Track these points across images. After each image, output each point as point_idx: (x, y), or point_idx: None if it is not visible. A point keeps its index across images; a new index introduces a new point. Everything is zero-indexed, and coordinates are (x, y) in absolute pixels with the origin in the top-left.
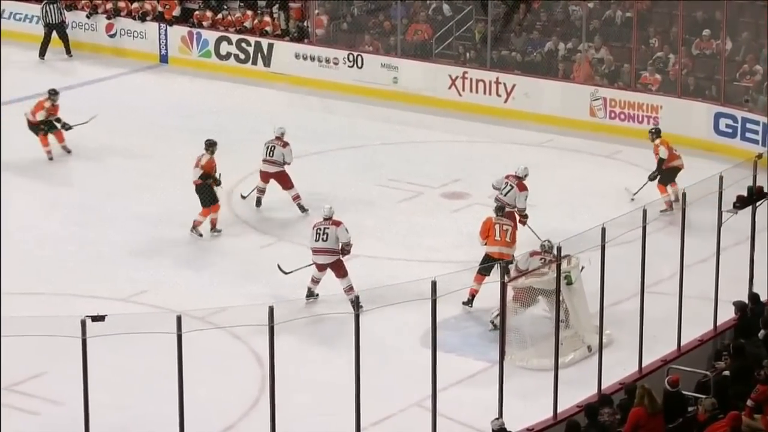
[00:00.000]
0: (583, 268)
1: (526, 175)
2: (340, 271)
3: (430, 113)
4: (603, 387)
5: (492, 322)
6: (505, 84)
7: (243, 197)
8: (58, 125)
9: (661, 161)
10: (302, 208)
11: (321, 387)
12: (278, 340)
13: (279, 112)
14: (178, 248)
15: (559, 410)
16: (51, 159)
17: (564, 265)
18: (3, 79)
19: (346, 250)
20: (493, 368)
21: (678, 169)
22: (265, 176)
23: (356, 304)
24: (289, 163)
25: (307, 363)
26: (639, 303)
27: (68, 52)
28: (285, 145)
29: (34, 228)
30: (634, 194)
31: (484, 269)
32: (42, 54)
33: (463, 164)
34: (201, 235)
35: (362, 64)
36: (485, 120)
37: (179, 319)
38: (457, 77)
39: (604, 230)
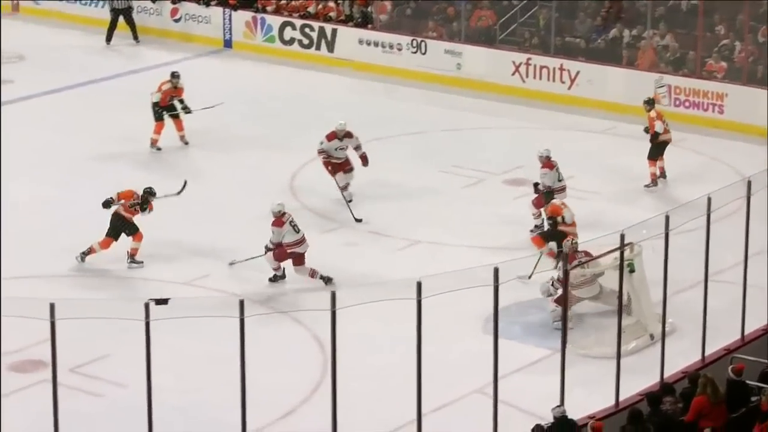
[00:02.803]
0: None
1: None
2: (302, 259)
3: (493, 99)
4: (665, 375)
5: (554, 322)
6: (569, 71)
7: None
8: (179, 107)
9: (656, 135)
10: (346, 196)
11: (382, 372)
12: (340, 325)
13: (342, 97)
14: (240, 233)
15: (621, 398)
16: (159, 149)
17: (627, 253)
18: (71, 63)
19: None
20: (554, 356)
21: (667, 143)
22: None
23: (327, 280)
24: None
25: (369, 348)
26: (702, 292)
27: (135, 37)
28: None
29: (99, 211)
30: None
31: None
32: (108, 39)
33: (525, 151)
34: (142, 262)
35: (426, 50)
36: (548, 107)
37: (242, 303)
38: (520, 63)
39: (667, 218)
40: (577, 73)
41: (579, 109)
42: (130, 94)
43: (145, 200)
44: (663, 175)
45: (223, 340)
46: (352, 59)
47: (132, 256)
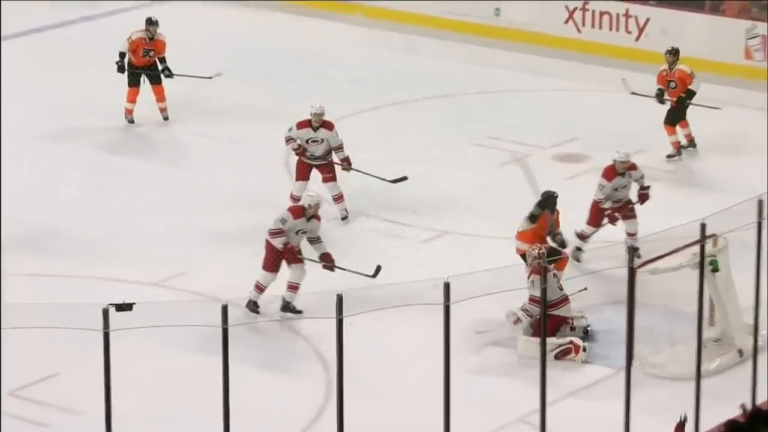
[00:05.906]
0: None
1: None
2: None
3: (541, 54)
4: (758, 401)
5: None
6: (636, 18)
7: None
8: (159, 67)
9: (692, 94)
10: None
11: (400, 395)
12: (347, 336)
13: (350, 52)
14: (222, 222)
15: (701, 430)
16: (132, 122)
17: (709, 248)
18: (8, 8)
19: None
20: (618, 376)
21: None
22: None
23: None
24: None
25: (384, 365)
26: None
27: None
28: None
29: (48, 193)
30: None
31: None
32: None
33: (581, 119)
34: None
35: None
36: (610, 63)
37: (225, 308)
38: (575, 9)
39: (761, 202)
40: (647, 21)
41: (648, 67)
42: (84, 47)
43: None
44: (693, 143)
45: (202, 354)
46: (362, 3)
47: None
